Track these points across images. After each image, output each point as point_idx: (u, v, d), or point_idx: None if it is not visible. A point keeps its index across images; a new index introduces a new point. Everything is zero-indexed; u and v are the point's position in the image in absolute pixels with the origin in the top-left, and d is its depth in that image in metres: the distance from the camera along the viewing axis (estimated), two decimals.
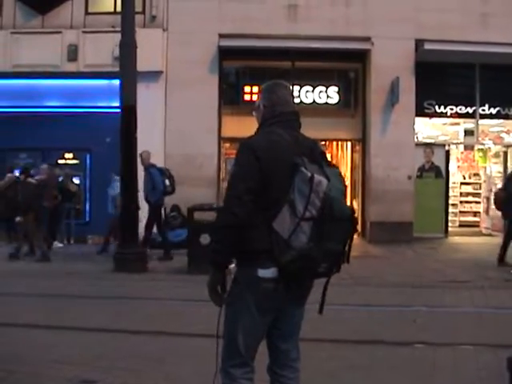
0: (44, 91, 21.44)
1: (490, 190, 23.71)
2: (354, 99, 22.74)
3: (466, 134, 22.98)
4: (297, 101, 21.10)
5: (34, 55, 20.24)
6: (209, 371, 4.65)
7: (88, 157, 21.74)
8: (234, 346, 4.46)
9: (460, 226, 24.49)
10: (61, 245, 19.80)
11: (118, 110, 15.74)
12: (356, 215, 4.47)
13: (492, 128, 23.06)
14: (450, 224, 22.90)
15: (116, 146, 16.00)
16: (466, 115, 22.45)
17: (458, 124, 22.98)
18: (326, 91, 21.97)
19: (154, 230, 19.49)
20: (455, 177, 24.59)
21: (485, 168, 24.46)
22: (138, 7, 18.74)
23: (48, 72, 20.76)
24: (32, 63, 20.27)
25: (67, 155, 21.81)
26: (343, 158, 25.36)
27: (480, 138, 22.89)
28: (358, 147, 22.93)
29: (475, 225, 24.50)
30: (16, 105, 21.19)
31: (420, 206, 21.17)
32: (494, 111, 22.35)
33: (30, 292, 12.10)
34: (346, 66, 22.95)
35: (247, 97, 21.49)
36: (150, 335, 8.97)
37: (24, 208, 17.20)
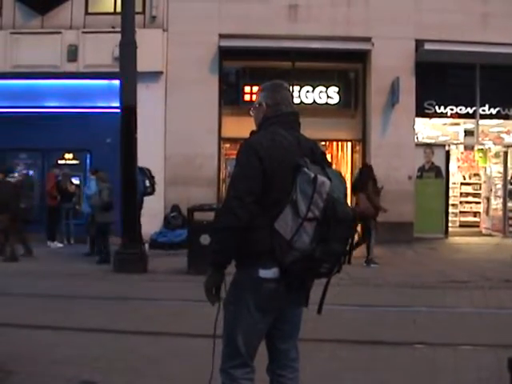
0: (44, 91, 21.44)
1: (490, 191, 23.75)
2: (354, 99, 22.74)
3: (466, 135, 22.99)
4: (297, 101, 21.13)
5: (34, 55, 20.24)
6: (208, 372, 4.64)
7: (88, 157, 21.72)
8: (234, 347, 4.46)
9: (460, 226, 24.49)
10: (60, 245, 19.81)
11: (118, 111, 15.73)
12: (356, 216, 4.47)
13: (492, 128, 23.06)
14: (450, 224, 22.90)
15: (116, 147, 16.01)
16: (466, 115, 22.46)
17: (458, 124, 22.98)
18: (326, 91, 21.97)
19: (157, 229, 19.60)
20: (455, 177, 24.59)
21: (485, 168, 24.47)
22: (138, 7, 18.74)
23: (48, 72, 20.76)
24: (32, 63, 20.27)
25: (67, 155, 21.80)
26: (343, 158, 25.32)
27: (480, 139, 22.89)
28: (358, 147, 22.91)
29: (475, 225, 24.50)
30: (16, 105, 21.18)
31: (420, 206, 21.18)
32: (494, 111, 22.37)
33: (29, 292, 12.09)
34: (346, 66, 22.96)
35: (247, 97, 21.45)
36: (149, 335, 8.97)
37: (0, 207, 17.06)
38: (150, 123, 18.93)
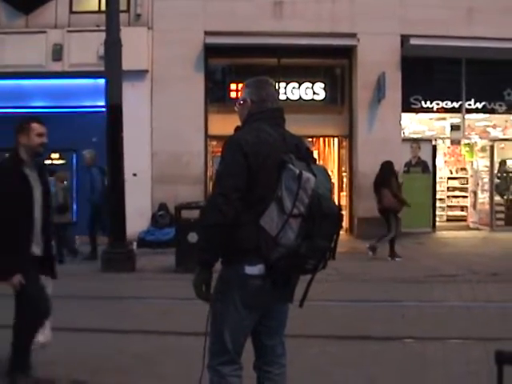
0: (29, 91, 21.34)
1: (477, 185, 23.82)
2: (340, 95, 22.74)
3: (452, 129, 23.03)
4: (283, 97, 21.13)
5: (19, 55, 20.11)
6: (198, 369, 4.63)
7: (74, 156, 21.64)
8: (222, 343, 4.47)
9: (447, 220, 24.56)
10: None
11: (104, 110, 15.70)
12: (342, 212, 4.48)
13: (478, 122, 23.12)
14: (437, 219, 22.95)
15: (102, 146, 15.96)
16: (453, 110, 22.49)
17: (444, 119, 23.03)
18: (312, 88, 21.96)
19: (144, 228, 19.55)
20: (442, 172, 24.65)
21: (471, 162, 24.54)
22: (123, 6, 18.63)
23: (33, 72, 20.63)
24: (17, 63, 20.14)
25: (53, 155, 21.71)
26: (330, 154, 25.35)
27: (466, 133, 22.94)
28: (344, 143, 22.93)
29: (462, 219, 24.57)
30: (1, 105, 21.06)
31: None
32: (480, 106, 22.41)
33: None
34: (332, 62, 22.95)
35: (233, 94, 21.39)
36: (138, 334, 8.97)
37: None
38: (135, 122, 18.88)
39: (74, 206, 21.53)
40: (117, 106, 15.30)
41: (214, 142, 22.35)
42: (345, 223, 21.60)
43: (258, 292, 4.35)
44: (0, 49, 20.48)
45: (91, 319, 9.94)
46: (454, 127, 22.89)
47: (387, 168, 17.09)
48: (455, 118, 22.75)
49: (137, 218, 18.66)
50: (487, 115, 22.83)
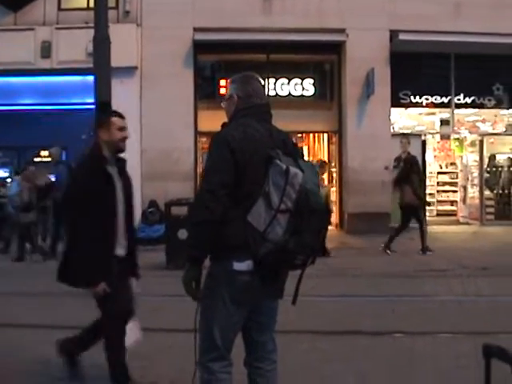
0: (18, 89, 21.32)
1: (467, 179, 23.88)
2: (329, 91, 22.77)
3: (441, 124, 23.08)
4: (272, 93, 21.17)
5: (7, 53, 20.05)
6: (188, 366, 4.65)
7: (64, 154, 21.60)
8: (211, 340, 4.47)
9: (437, 215, 24.62)
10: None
11: (93, 107, 15.67)
12: (331, 207, 4.49)
13: (468, 117, 23.19)
14: (427, 213, 22.98)
15: (92, 143, 15.92)
16: (442, 105, 22.56)
17: (433, 114, 23.09)
18: (301, 83, 21.99)
19: (135, 224, 19.47)
20: (432, 166, 24.71)
21: (461, 157, 24.63)
22: (112, 2, 18.60)
23: (21, 69, 20.59)
24: (5, 61, 20.08)
25: (43, 153, 21.67)
26: (320, 149, 25.36)
27: (456, 128, 23.01)
28: (334, 139, 22.95)
29: (452, 214, 24.65)
30: None
31: (397, 196, 21.25)
32: (469, 100, 22.49)
33: (10, 291, 12.03)
34: (321, 58, 22.96)
35: (223, 90, 21.36)
36: None
37: None
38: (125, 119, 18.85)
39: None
40: (106, 103, 15.26)
41: (204, 139, 22.30)
42: (335, 218, 21.66)
43: (247, 288, 4.36)
44: None
45: (83, 316, 9.91)
46: (444, 122, 22.94)
47: (409, 164, 17.14)
48: (444, 113, 22.81)
49: None
50: (476, 110, 22.91)
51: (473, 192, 23.77)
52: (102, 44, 15.25)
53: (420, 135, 22.86)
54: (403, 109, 22.63)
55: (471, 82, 22.33)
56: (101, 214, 5.90)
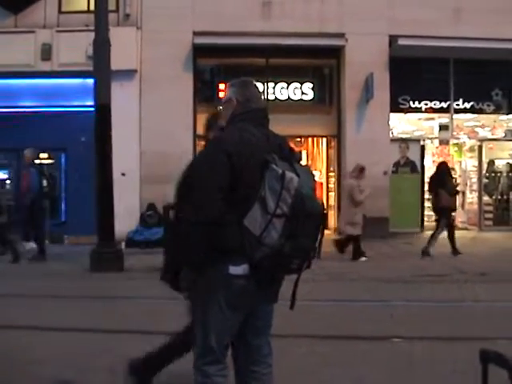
0: (18, 91, 21.31)
1: (466, 185, 23.88)
2: (328, 95, 22.78)
3: (440, 129, 23.12)
4: (272, 97, 21.23)
5: (8, 55, 20.08)
6: (186, 370, 4.66)
7: (63, 156, 21.64)
8: (206, 344, 4.47)
9: (436, 220, 24.56)
10: (35, 245, 19.66)
11: (93, 109, 15.69)
12: (326, 211, 4.50)
13: (466, 122, 23.21)
14: (425, 219, 22.97)
15: (91, 145, 15.96)
16: (441, 110, 22.59)
17: (432, 119, 23.11)
18: (300, 88, 22.02)
19: (133, 228, 19.55)
20: (431, 171, 24.60)
21: (460, 162, 24.60)
22: (112, 5, 18.65)
23: (22, 72, 20.62)
24: (5, 63, 20.11)
25: (42, 155, 21.67)
26: (319, 154, 25.38)
27: (455, 133, 23.04)
28: (333, 143, 22.96)
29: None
30: None
31: (396, 201, 21.28)
32: (468, 106, 22.52)
33: (5, 292, 12.02)
34: (320, 62, 22.99)
35: (222, 94, 21.27)
36: (126, 334, 8.96)
37: None
38: (124, 121, 18.89)
39: (63, 206, 21.56)
40: (105, 106, 15.30)
41: (203, 142, 22.26)
42: (333, 223, 21.65)
43: (243, 292, 4.36)
44: None
45: (79, 319, 9.93)
46: (443, 127, 22.98)
47: (443, 169, 17.60)
48: (443, 118, 22.84)
49: (125, 217, 18.68)
50: (475, 115, 22.94)
51: (471, 197, 23.77)
52: (102, 47, 15.31)
53: (419, 140, 22.89)
54: (402, 114, 22.65)
55: (470, 87, 22.36)
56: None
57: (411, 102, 22.34)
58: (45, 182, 17.22)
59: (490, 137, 23.39)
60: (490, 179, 23.31)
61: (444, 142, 24.19)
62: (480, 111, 22.73)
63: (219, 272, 4.37)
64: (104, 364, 7.39)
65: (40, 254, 16.91)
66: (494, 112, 22.84)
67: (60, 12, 21.19)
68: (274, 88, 21.74)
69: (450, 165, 24.47)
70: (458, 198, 23.37)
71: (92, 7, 17.10)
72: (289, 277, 4.47)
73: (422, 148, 22.78)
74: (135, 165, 20.45)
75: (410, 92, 22.24)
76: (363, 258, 16.30)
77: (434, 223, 23.65)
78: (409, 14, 20.62)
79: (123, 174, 19.34)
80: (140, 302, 11.48)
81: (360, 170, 16.85)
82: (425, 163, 22.94)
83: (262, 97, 4.92)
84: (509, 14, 20.98)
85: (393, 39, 21.04)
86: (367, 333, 8.85)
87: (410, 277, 13.81)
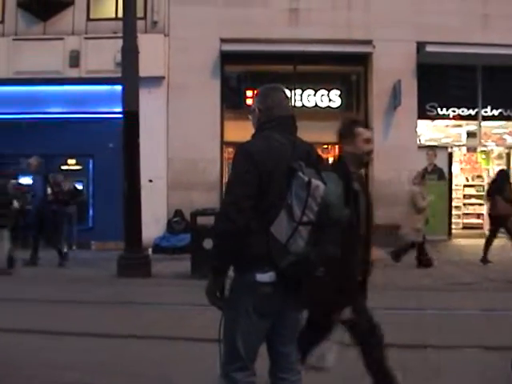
0: (46, 97, 21.42)
1: None
2: (356, 102, 22.70)
3: (468, 136, 22.98)
4: (299, 104, 21.17)
5: (36, 61, 20.24)
6: (212, 376, 4.65)
7: (91, 162, 21.74)
8: (234, 350, 4.48)
9: (463, 228, 24.43)
10: (65, 250, 19.78)
11: (121, 116, 15.77)
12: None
13: (494, 130, 23.07)
14: (453, 226, 22.88)
15: (119, 152, 16.05)
16: (469, 117, 22.45)
17: (460, 126, 22.97)
18: (327, 95, 21.96)
19: (160, 234, 19.59)
20: (458, 179, 24.54)
21: (488, 170, 24.44)
22: (140, 13, 18.76)
23: (50, 78, 20.76)
24: (34, 70, 20.27)
25: (70, 161, 21.82)
26: None
27: (482, 140, 22.89)
28: None
29: (479, 227, 24.42)
30: (18, 111, 21.18)
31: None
32: (496, 113, 22.36)
33: (33, 298, 12.10)
34: (347, 69, 22.91)
35: (249, 101, 21.35)
36: (153, 340, 8.98)
37: None
38: (152, 128, 19.00)
39: (90, 212, 21.66)
40: (133, 113, 15.37)
41: (230, 149, 22.26)
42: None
43: (269, 299, 4.38)
44: (18, 55, 20.64)
45: (106, 324, 9.97)
46: (470, 134, 22.84)
47: (502, 176, 17.63)
48: (471, 125, 22.70)
49: (152, 224, 18.76)
50: (503, 122, 22.78)
51: None
52: (130, 54, 15.38)
53: (446, 147, 22.78)
54: (430, 121, 22.54)
55: (498, 94, 22.20)
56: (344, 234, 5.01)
57: (439, 109, 22.24)
58: (49, 190, 17.30)
59: None
60: None
61: (472, 150, 24.07)
62: (508, 118, 22.57)
63: (246, 279, 4.38)
64: (132, 370, 7.42)
65: (61, 258, 16.99)
66: None
67: (88, 19, 21.33)
68: (301, 95, 21.70)
69: (478, 172, 24.58)
70: (486, 206, 23.31)
71: (120, 14, 17.19)
72: None
73: (450, 155, 22.67)
74: (162, 171, 20.51)
75: (437, 99, 22.14)
76: (434, 264, 16.32)
77: (461, 231, 23.71)
78: (436, 20, 20.52)
79: (150, 181, 19.44)
80: (167, 307, 11.50)
81: (422, 177, 16.91)
82: (452, 170, 22.83)
83: (289, 103, 4.87)
84: None
85: (420, 46, 20.96)
86: (397, 341, 8.79)
87: (438, 285, 13.74)
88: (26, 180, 18.32)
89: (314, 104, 21.86)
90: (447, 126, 23.07)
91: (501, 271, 15.31)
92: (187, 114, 20.35)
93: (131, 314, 10.87)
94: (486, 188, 17.71)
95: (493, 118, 22.46)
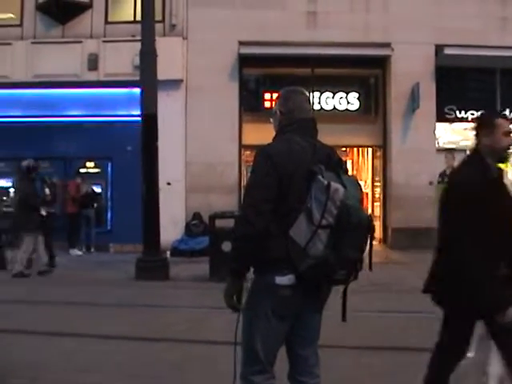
0: (65, 100, 21.51)
1: None
2: (374, 105, 22.66)
3: None
4: (317, 107, 21.14)
5: (55, 65, 20.33)
6: (230, 379, 4.65)
7: (109, 165, 21.80)
8: (253, 353, 4.49)
9: None
10: (79, 253, 19.86)
11: (139, 119, 15.79)
12: (373, 222, 4.46)
13: None
14: None
15: (137, 155, 16.08)
16: None
17: None
18: (346, 97, 21.92)
19: (178, 237, 19.61)
20: None
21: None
22: (158, 16, 18.82)
23: (69, 81, 20.83)
24: (53, 73, 20.35)
25: (88, 164, 21.90)
26: (364, 164, 25.31)
27: None
28: (378, 153, 22.85)
29: None
30: (37, 114, 21.24)
31: None
32: None
33: (51, 300, 12.15)
34: (366, 72, 22.88)
35: (267, 104, 21.35)
36: (171, 343, 8.99)
37: None
38: (170, 131, 19.03)
39: (109, 214, 21.73)
40: (152, 116, 15.40)
41: (248, 152, 22.30)
42: (378, 233, 21.53)
43: (289, 302, 4.39)
44: (36, 58, 20.73)
45: (125, 327, 10.00)
46: None
47: None
48: None
49: (171, 226, 18.81)
50: None
51: None
52: (148, 57, 15.42)
53: (465, 150, 22.58)
54: (448, 123, 22.44)
55: None
56: (484, 231, 4.89)
57: (457, 112, 22.14)
58: (47, 191, 17.31)
59: None
60: None
61: None
62: None
63: (266, 282, 4.39)
64: (150, 372, 7.44)
65: (49, 264, 16.44)
66: None
67: (107, 22, 21.41)
68: (319, 98, 21.68)
69: None
70: None
71: (138, 17, 17.22)
72: (337, 288, 4.46)
73: None
74: (181, 174, 20.54)
75: (456, 102, 22.05)
76: None
77: None
78: (455, 23, 20.45)
79: (169, 184, 19.47)
80: (184, 310, 11.51)
81: None
82: None
83: (310, 106, 4.87)
84: None
85: (439, 48, 20.90)
86: (414, 344, 8.77)
87: None
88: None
89: (332, 107, 21.83)
90: (466, 128, 22.92)
91: None
92: (205, 117, 20.39)
93: (149, 317, 10.89)
94: None
95: (511, 120, 22.32)
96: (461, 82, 22.18)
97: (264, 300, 4.43)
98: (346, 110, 21.95)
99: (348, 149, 25.12)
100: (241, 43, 20.72)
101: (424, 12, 20.82)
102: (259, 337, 4.47)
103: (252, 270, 4.50)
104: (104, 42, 20.97)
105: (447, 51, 20.60)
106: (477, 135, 5.24)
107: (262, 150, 4.48)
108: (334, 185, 4.20)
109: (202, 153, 20.48)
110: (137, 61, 17.00)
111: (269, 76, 22.92)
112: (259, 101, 22.18)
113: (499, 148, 5.14)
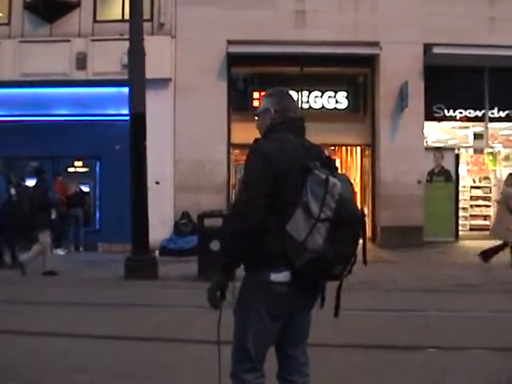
0: (53, 99, 21.46)
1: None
2: (362, 104, 22.68)
3: (475, 138, 22.95)
4: (306, 106, 21.18)
5: (43, 63, 20.28)
6: (217, 378, 4.66)
7: (98, 164, 21.76)
8: (245, 351, 4.48)
9: (470, 229, 24.37)
10: (62, 252, 19.72)
11: (127, 118, 15.77)
12: (365, 218, 4.48)
13: (501, 131, 23.02)
14: (460, 228, 22.84)
15: (125, 154, 16.04)
16: (476, 119, 22.41)
17: (467, 127, 22.94)
18: (334, 96, 21.94)
19: (166, 236, 19.59)
20: (465, 180, 24.50)
21: (495, 171, 24.41)
22: (146, 15, 18.76)
23: (57, 80, 20.78)
24: (41, 72, 20.30)
25: (77, 163, 21.86)
26: (353, 163, 25.33)
27: (489, 142, 22.85)
28: (367, 152, 22.88)
29: (486, 228, 24.34)
30: (25, 113, 21.20)
31: (430, 210, 21.14)
32: (503, 114, 22.31)
33: (41, 300, 12.12)
34: (354, 71, 22.89)
35: (256, 103, 21.32)
36: (160, 342, 8.98)
37: None
38: (159, 130, 19.01)
39: (97, 214, 21.69)
40: (140, 114, 15.37)
41: (237, 151, 22.33)
42: (367, 232, 21.55)
43: (283, 299, 4.36)
44: (24, 57, 20.67)
45: (114, 327, 9.98)
46: (477, 136, 22.82)
47: None
48: (478, 127, 22.67)
49: (159, 225, 18.77)
50: (510, 124, 22.72)
51: None
52: (136, 56, 15.39)
53: (453, 149, 22.74)
54: (436, 122, 22.50)
55: (505, 95, 22.15)
56: None
57: (446, 111, 22.20)
58: (13, 191, 17.26)
59: None
60: None
61: (478, 151, 24.06)
62: None
63: (260, 279, 4.37)
64: (139, 372, 7.42)
65: (21, 267, 15.93)
66: None
67: (95, 21, 21.37)
68: (308, 97, 21.69)
69: (485, 174, 24.54)
70: (492, 208, 23.28)
71: (127, 16, 17.20)
72: (329, 284, 4.47)
73: (457, 157, 22.62)
74: (169, 173, 20.53)
75: (444, 100, 22.11)
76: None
77: (468, 232, 23.67)
78: (443, 22, 20.48)
79: (157, 183, 19.47)
80: (174, 310, 11.50)
81: None
82: (459, 172, 22.79)
83: (298, 106, 4.90)
84: None
85: (427, 47, 20.93)
86: (402, 342, 8.80)
87: (445, 286, 13.71)
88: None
89: (320, 106, 21.85)
90: (454, 127, 23.04)
91: (509, 273, 15.27)
92: (194, 116, 20.37)
93: (138, 316, 10.86)
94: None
95: (500, 119, 22.42)
96: (449, 81, 22.23)
97: (257, 298, 4.39)
98: (335, 108, 21.97)
99: (337, 147, 25.13)
100: (229, 42, 20.70)
101: (412, 11, 20.86)
102: (251, 335, 4.44)
103: (243, 267, 4.49)
104: (92, 40, 20.93)
105: (436, 50, 20.64)
106: None
107: (257, 149, 4.46)
108: (332, 179, 4.20)
109: (190, 152, 20.47)
110: (125, 60, 16.95)
111: (257, 75, 22.92)
112: (248, 100, 22.19)
113: None
